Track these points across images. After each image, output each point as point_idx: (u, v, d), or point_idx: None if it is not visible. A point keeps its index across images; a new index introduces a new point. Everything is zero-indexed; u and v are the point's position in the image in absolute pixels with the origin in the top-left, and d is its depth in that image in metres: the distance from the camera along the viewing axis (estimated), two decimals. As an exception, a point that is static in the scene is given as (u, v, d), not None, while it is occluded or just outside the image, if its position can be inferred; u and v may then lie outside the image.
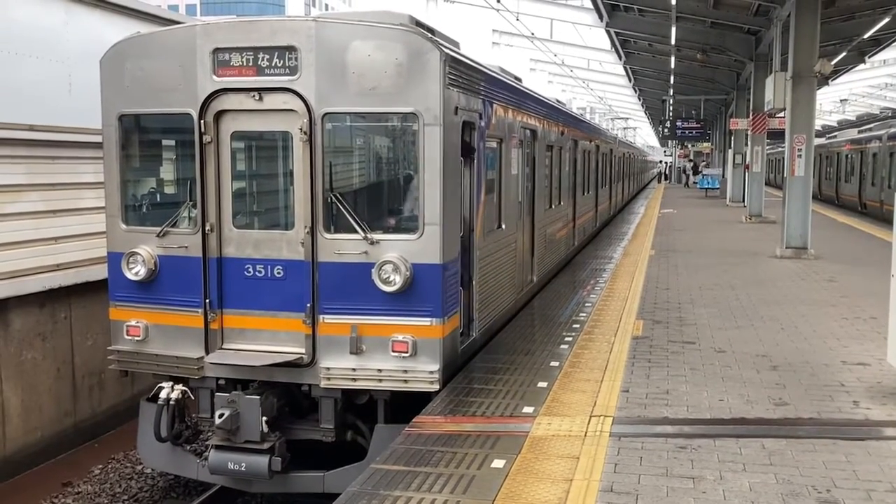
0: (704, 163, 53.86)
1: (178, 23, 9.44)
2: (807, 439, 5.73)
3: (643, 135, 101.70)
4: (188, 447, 7.79)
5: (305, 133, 6.74)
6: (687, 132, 42.72)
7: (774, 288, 12.32)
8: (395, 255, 6.67)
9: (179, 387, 7.21)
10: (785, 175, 16.73)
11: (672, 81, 38.31)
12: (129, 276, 7.20)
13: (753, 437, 5.76)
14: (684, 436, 5.82)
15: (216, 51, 6.89)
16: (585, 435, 5.82)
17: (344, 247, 6.78)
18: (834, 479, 5.04)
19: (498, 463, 5.27)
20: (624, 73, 42.61)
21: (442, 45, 6.92)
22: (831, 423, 6.14)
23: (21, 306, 9.00)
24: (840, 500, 4.73)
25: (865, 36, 23.89)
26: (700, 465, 5.26)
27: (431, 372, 6.69)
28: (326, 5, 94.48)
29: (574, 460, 5.33)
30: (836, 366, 7.79)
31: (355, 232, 6.75)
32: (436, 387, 6.74)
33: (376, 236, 6.74)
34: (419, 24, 7.37)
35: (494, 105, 8.63)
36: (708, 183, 43.17)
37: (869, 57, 30.40)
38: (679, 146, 63.45)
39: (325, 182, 6.81)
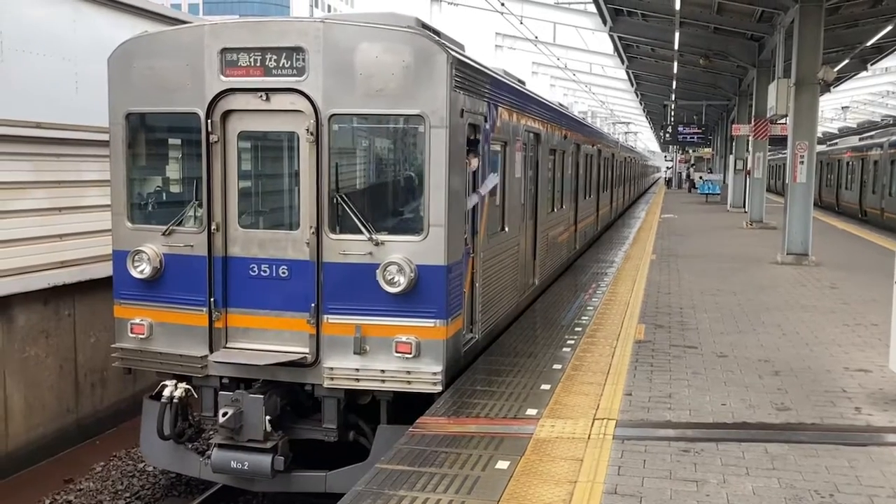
0: (699, 175, 54.06)
1: (184, 22, 9.48)
2: (809, 444, 5.75)
3: (644, 139, 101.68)
4: (190, 445, 7.80)
5: (312, 134, 6.76)
6: (689, 137, 42.77)
7: (775, 294, 12.34)
8: (400, 256, 6.69)
9: (183, 385, 7.23)
10: (786, 181, 16.76)
11: (674, 86, 38.33)
12: (135, 274, 7.21)
13: (756, 442, 5.79)
14: (687, 439, 5.85)
15: (224, 51, 6.91)
16: (589, 437, 5.84)
17: (349, 247, 6.80)
18: (837, 484, 5.07)
19: (502, 464, 5.30)
20: (626, 77, 42.64)
21: (449, 47, 6.96)
22: (833, 428, 6.17)
23: (25, 303, 9.02)
24: (843, 504, 4.77)
25: (868, 44, 23.92)
26: (703, 469, 5.28)
27: (434, 373, 6.71)
28: (329, 6, 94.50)
29: (578, 462, 5.35)
30: (837, 372, 7.81)
31: (360, 233, 6.77)
32: (439, 388, 6.75)
33: (381, 237, 6.76)
34: (425, 26, 7.39)
35: (499, 108, 8.65)
36: (708, 188, 43.22)
37: (871, 64, 30.44)
38: (680, 151, 63.49)
39: (330, 183, 6.84)
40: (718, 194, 41.21)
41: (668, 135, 44.14)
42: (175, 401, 7.21)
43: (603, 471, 5.21)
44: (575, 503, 4.70)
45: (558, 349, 8.55)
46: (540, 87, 43.39)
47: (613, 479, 5.10)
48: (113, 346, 7.45)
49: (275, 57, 6.85)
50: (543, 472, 5.17)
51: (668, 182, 69.22)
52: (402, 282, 6.65)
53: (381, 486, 4.95)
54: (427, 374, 6.72)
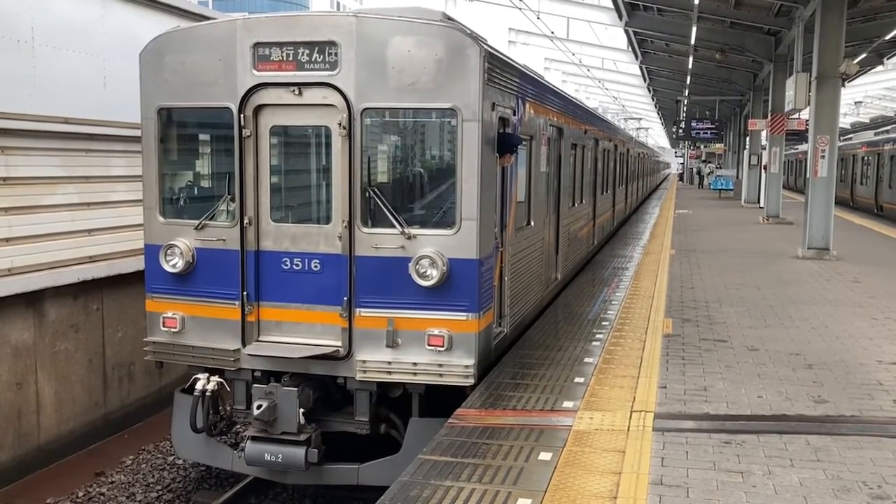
0: (708, 170, 53.89)
1: (209, 19, 9.51)
2: (851, 436, 5.73)
3: (654, 135, 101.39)
4: (220, 439, 7.83)
5: (344, 128, 6.76)
6: (701, 133, 42.59)
7: (800, 288, 12.29)
8: (432, 249, 6.69)
9: (216, 378, 7.26)
10: (808, 176, 16.68)
11: (688, 82, 38.18)
12: (167, 268, 7.23)
13: (796, 434, 5.77)
14: (727, 431, 5.83)
15: (256, 45, 6.91)
16: (628, 429, 5.83)
17: (381, 241, 6.80)
18: (884, 475, 5.04)
19: (545, 455, 5.30)
20: (639, 72, 42.50)
21: (481, 40, 6.95)
22: (874, 421, 6.13)
23: (56, 297, 9.07)
24: (893, 496, 4.73)
25: (887, 38, 23.75)
26: (747, 460, 5.27)
27: (467, 366, 6.71)
28: (339, 4, 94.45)
29: (620, 454, 5.35)
30: (871, 365, 7.77)
31: (393, 226, 6.77)
32: (471, 381, 6.76)
33: (413, 231, 6.76)
34: (450, 20, 7.37)
35: (527, 102, 8.64)
36: (721, 184, 43.02)
37: (888, 59, 30.24)
38: (692, 147, 63.31)
39: (363, 177, 6.84)
40: (731, 190, 41.03)
41: (680, 130, 43.99)
42: (207, 394, 7.23)
43: (646, 462, 5.20)
44: (622, 494, 4.70)
45: (587, 343, 8.54)
46: (552, 82, 43.25)
47: (658, 470, 5.09)
48: (145, 339, 7.47)
49: (307, 51, 6.84)
50: (587, 464, 5.17)
51: (681, 176, 69.54)
52: (434, 275, 6.65)
53: (427, 476, 4.96)
54: (459, 368, 6.72)
